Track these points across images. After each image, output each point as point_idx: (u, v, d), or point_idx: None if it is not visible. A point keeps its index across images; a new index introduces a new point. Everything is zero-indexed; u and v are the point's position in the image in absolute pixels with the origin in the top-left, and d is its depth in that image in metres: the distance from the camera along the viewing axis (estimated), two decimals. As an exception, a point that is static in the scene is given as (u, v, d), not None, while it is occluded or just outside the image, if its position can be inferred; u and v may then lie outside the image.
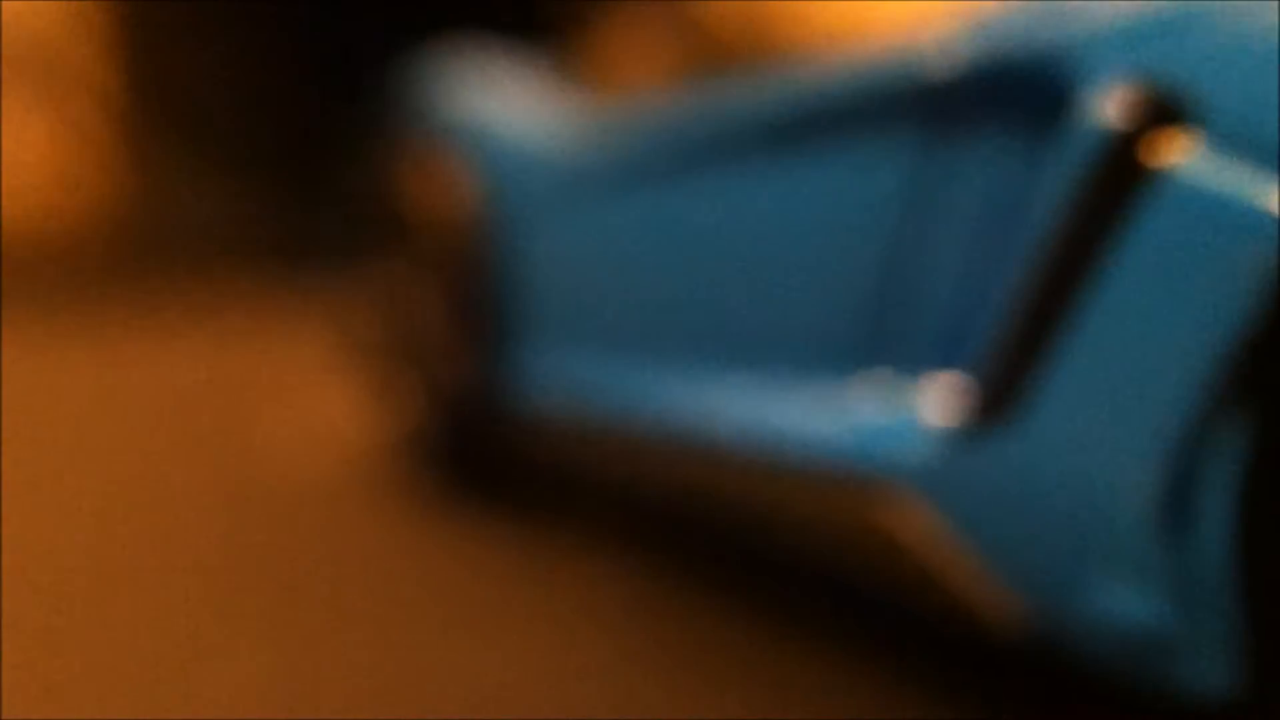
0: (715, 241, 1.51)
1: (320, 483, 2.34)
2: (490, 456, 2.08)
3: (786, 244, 1.39)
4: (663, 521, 2.01)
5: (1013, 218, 1.13)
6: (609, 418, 1.72)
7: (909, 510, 1.20)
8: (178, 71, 8.07)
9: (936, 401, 1.18)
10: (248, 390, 3.53)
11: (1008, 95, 1.12)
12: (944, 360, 1.20)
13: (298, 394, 3.32)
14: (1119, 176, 0.95)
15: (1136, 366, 0.95)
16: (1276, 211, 0.87)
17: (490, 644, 1.50)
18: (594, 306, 1.79)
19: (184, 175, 7.79)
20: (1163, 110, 0.94)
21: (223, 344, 4.68)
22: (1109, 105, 0.97)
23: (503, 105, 2.09)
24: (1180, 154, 0.93)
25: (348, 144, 2.50)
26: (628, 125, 1.74)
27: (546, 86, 2.09)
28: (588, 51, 2.13)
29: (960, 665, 1.40)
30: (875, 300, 1.26)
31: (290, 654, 1.47)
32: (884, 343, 1.27)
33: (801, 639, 1.50)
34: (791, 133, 1.38)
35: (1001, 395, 1.06)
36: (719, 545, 1.87)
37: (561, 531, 1.96)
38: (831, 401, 1.32)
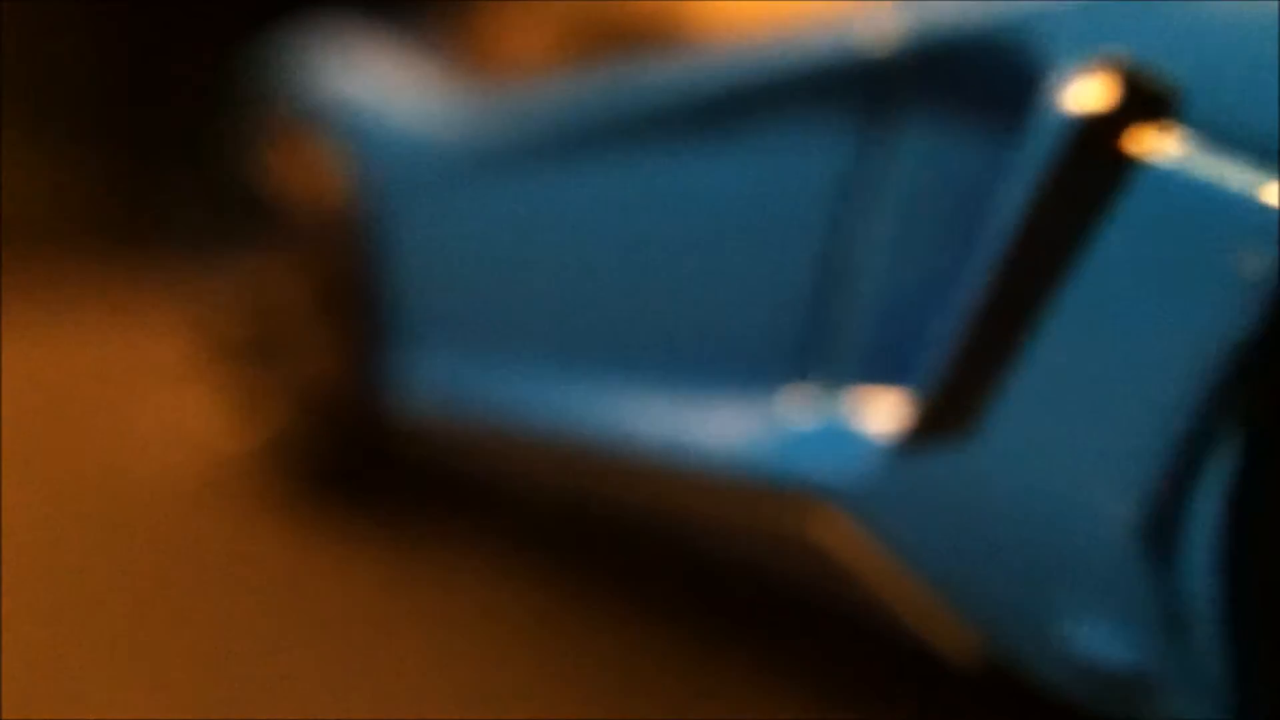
0: (622, 234, 1.40)
1: (181, 488, 2.18)
2: (366, 462, 1.94)
3: (704, 237, 1.28)
4: (562, 530, 1.89)
5: (965, 210, 1.04)
6: (499, 422, 1.60)
7: (845, 531, 1.10)
8: (13, 47, 7.72)
9: (875, 411, 1.08)
10: (101, 388, 3.34)
11: (959, 76, 1.02)
12: (883, 366, 1.11)
13: (155, 392, 3.14)
14: (1094, 166, 0.86)
15: (1114, 375, 0.86)
16: (1268, 204, 0.79)
17: (366, 654, 1.40)
18: (482, 302, 1.66)
19: (25, 158, 7.45)
20: (1140, 95, 0.85)
21: (72, 338, 4.45)
22: (1081, 89, 0.87)
23: (377, 85, 1.95)
24: (1161, 142, 0.84)
25: (208, 124, 2.33)
26: (519, 107, 1.62)
27: (422, 65, 1.95)
28: (463, 29, 2.01)
29: (908, 679, 1.31)
30: (806, 299, 1.16)
31: (151, 668, 1.37)
32: (815, 346, 1.17)
33: (723, 642, 1.41)
34: (709, 117, 1.27)
35: (954, 406, 0.97)
36: (623, 553, 1.76)
37: (447, 541, 1.84)
38: (755, 409, 1.22)
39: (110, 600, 1.62)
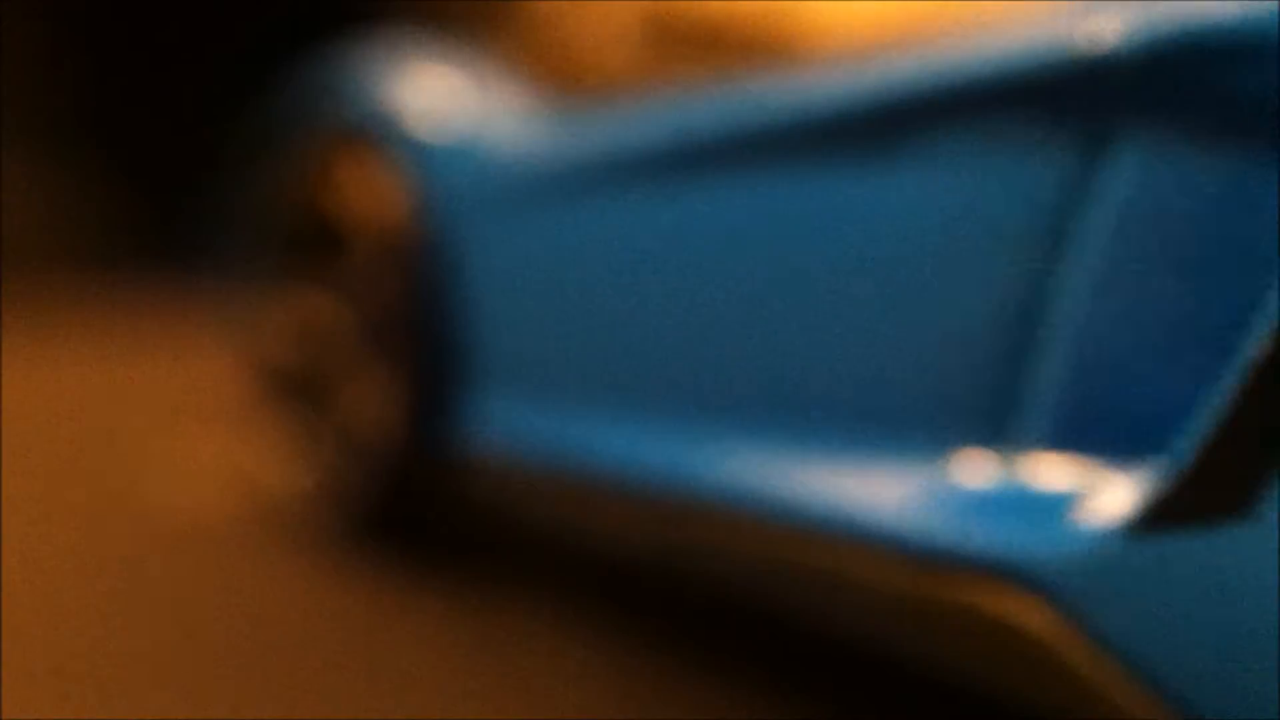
0: (746, 267, 1.23)
1: (215, 529, 2.01)
2: (423, 510, 1.77)
3: (856, 271, 1.11)
4: (653, 594, 1.70)
5: (1202, 247, 0.87)
6: (580, 471, 1.43)
7: (1040, 616, 0.93)
8: (37, 66, 7.54)
9: (1081, 482, 0.92)
10: (133, 423, 3.17)
11: (1205, 86, 0.86)
12: (1083, 429, 0.94)
13: (188, 427, 2.97)
14: None
15: None
16: None
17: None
18: (565, 338, 1.49)
19: (55, 178, 7.27)
20: None
21: (102, 368, 4.29)
22: None
23: (441, 97, 1.78)
24: None
25: (239, 142, 2.16)
26: (613, 124, 1.46)
27: (490, 77, 1.79)
28: (531, 40, 1.85)
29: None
30: (991, 347, 1.00)
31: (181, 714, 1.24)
32: (999, 401, 1.00)
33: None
34: (863, 135, 1.10)
35: (1219, 483, 0.80)
36: (722, 621, 1.58)
37: (518, 600, 1.66)
38: (918, 472, 1.05)
39: (131, 646, 1.47)
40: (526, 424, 1.52)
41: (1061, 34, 0.94)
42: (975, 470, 1.01)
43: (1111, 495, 0.90)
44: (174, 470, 2.47)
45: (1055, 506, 0.94)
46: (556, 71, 1.74)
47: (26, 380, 3.95)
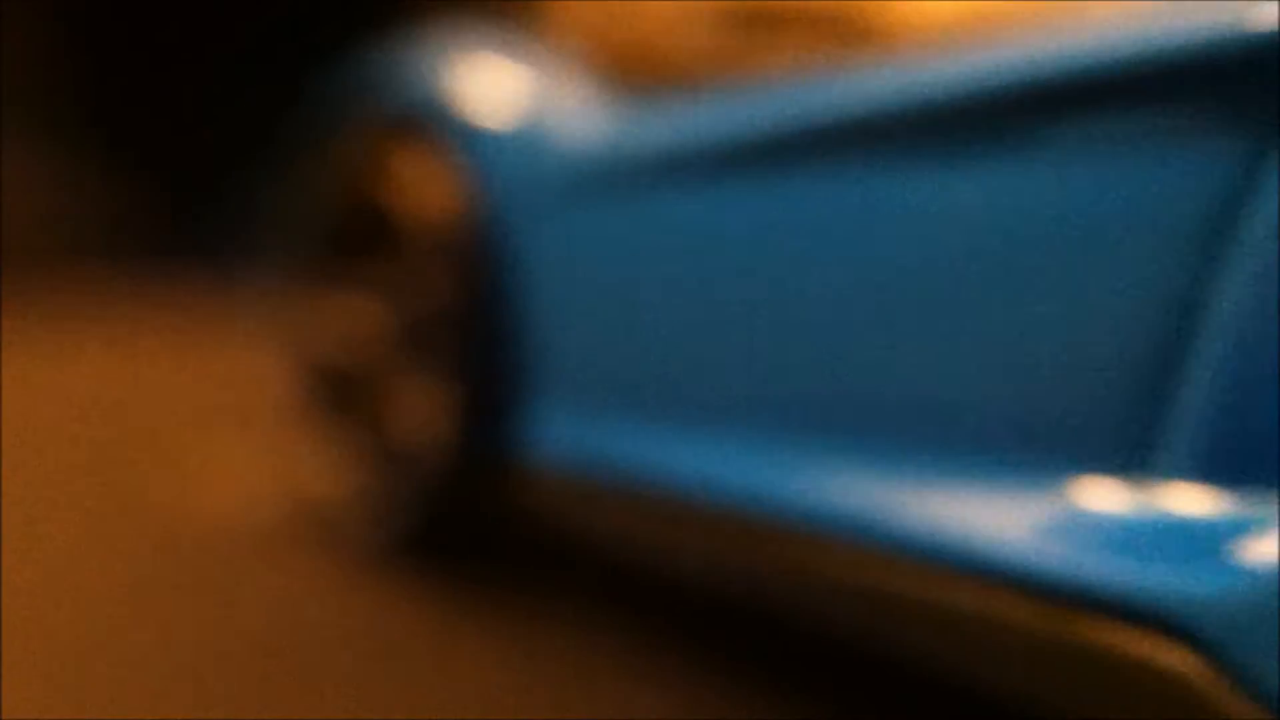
0: (840, 268, 1.15)
1: (243, 538, 1.93)
2: (472, 525, 1.68)
3: (971, 275, 1.03)
4: (722, 620, 1.61)
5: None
6: (646, 487, 1.36)
7: (1194, 674, 0.86)
8: (19, 55, 7.46)
9: (1249, 522, 0.84)
10: (136, 426, 3.08)
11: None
12: (1233, 461, 0.87)
13: (193, 432, 2.88)
14: None
15: None
16: None
17: None
18: (633, 342, 1.42)
19: (56, 176, 7.19)
20: None
21: (102, 369, 4.20)
22: None
23: (502, 88, 1.69)
24: None
25: (292, 134, 2.09)
26: (690, 116, 1.38)
27: (555, 70, 1.71)
28: (597, 34, 1.77)
29: None
30: (1127, 364, 0.92)
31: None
32: (1135, 426, 0.92)
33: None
34: (990, 124, 1.02)
35: None
36: (796, 649, 1.49)
37: (574, 623, 1.57)
38: (1038, 500, 0.97)
39: (134, 649, 1.43)
40: (589, 433, 1.44)
41: (1233, 16, 0.87)
42: (1108, 499, 0.93)
43: (1270, 532, 0.82)
44: (204, 476, 2.39)
45: (1203, 542, 0.87)
46: (623, 61, 1.67)
47: (26, 381, 3.87)
